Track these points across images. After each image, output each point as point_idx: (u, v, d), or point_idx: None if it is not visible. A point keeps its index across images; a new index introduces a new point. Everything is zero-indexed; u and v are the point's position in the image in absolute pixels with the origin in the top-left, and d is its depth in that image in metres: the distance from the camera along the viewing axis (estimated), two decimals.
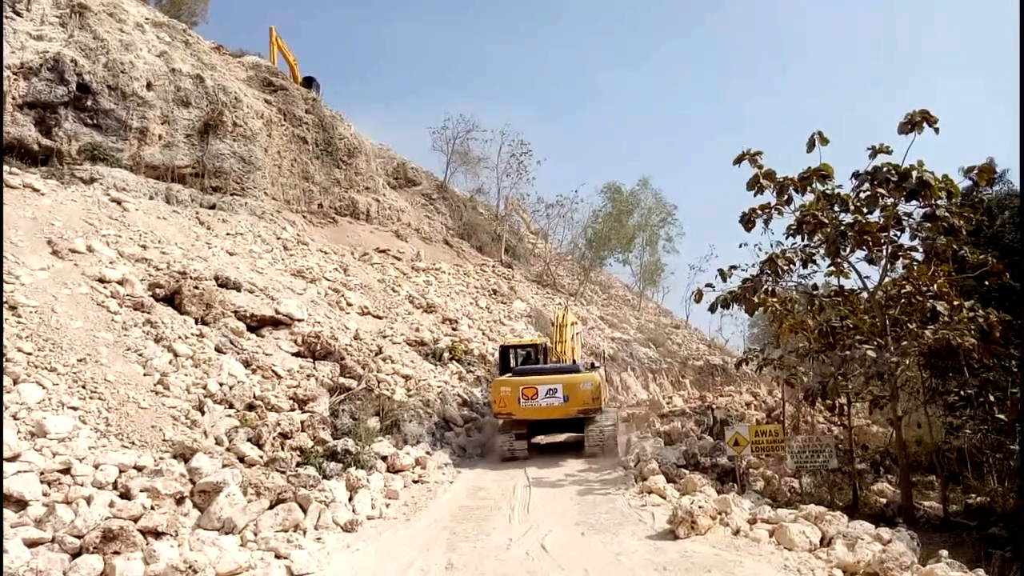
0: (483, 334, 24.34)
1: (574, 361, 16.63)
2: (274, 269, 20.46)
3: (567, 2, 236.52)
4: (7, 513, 7.38)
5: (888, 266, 12.81)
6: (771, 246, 14.37)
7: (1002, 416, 13.09)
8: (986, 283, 12.57)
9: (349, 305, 20.71)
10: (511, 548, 8.59)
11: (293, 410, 13.00)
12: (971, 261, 12.39)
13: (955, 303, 11.97)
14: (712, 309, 13.81)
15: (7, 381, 9.52)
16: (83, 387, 10.30)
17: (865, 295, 13.34)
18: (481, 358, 21.39)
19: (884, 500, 13.60)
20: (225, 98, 23.94)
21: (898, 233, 12.47)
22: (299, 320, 16.86)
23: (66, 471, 8.30)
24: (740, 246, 15.51)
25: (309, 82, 32.30)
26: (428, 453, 13.47)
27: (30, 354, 10.37)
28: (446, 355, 20.13)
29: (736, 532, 8.86)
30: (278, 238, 23.21)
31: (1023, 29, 9.73)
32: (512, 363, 17.36)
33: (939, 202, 11.59)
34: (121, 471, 8.72)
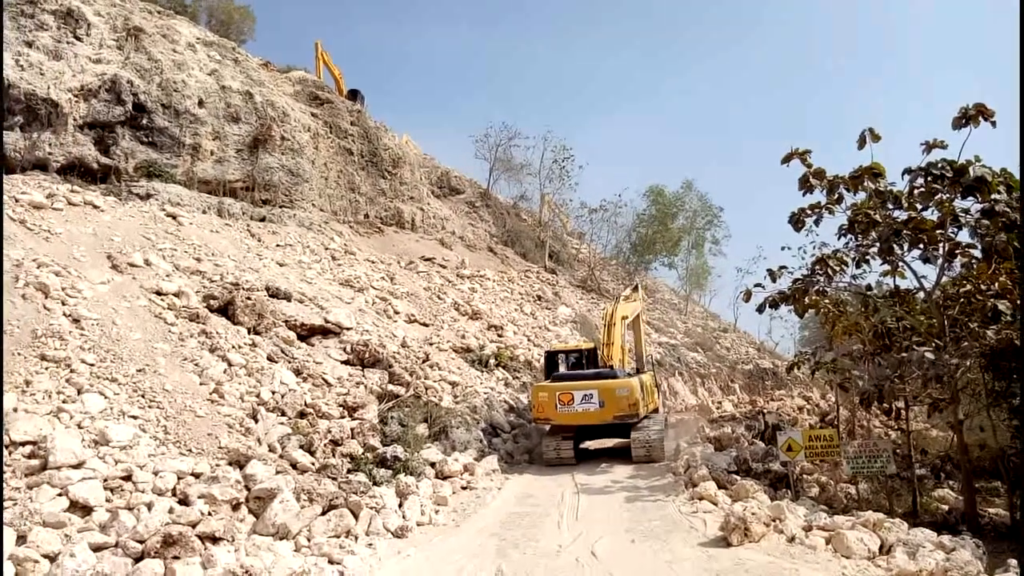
0: (528, 340, 24.33)
1: (610, 366, 15.97)
2: (323, 279, 20.82)
3: (612, 7, 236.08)
4: (74, 519, 7.66)
5: (945, 265, 12.40)
6: (814, 247, 14.07)
7: None
8: None
9: (396, 313, 20.94)
10: (561, 555, 8.56)
11: (343, 417, 13.18)
12: None
13: (1018, 302, 11.53)
14: (760, 310, 13.56)
15: (72, 391, 9.90)
16: (142, 396, 10.64)
17: (922, 295, 12.95)
18: (527, 364, 21.39)
19: (946, 507, 13.14)
20: (273, 113, 24.53)
21: (955, 230, 12.08)
22: (348, 328, 17.11)
23: (128, 478, 8.59)
24: (782, 248, 15.07)
25: (354, 95, 32.87)
26: (476, 459, 13.51)
27: (92, 365, 10.77)
28: (492, 361, 20.17)
29: (791, 539, 8.66)
30: (326, 248, 23.63)
31: (1023, 29, 9.39)
32: (560, 368, 17.25)
33: (998, 197, 11.18)
34: (179, 478, 8.98)
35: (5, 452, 8.27)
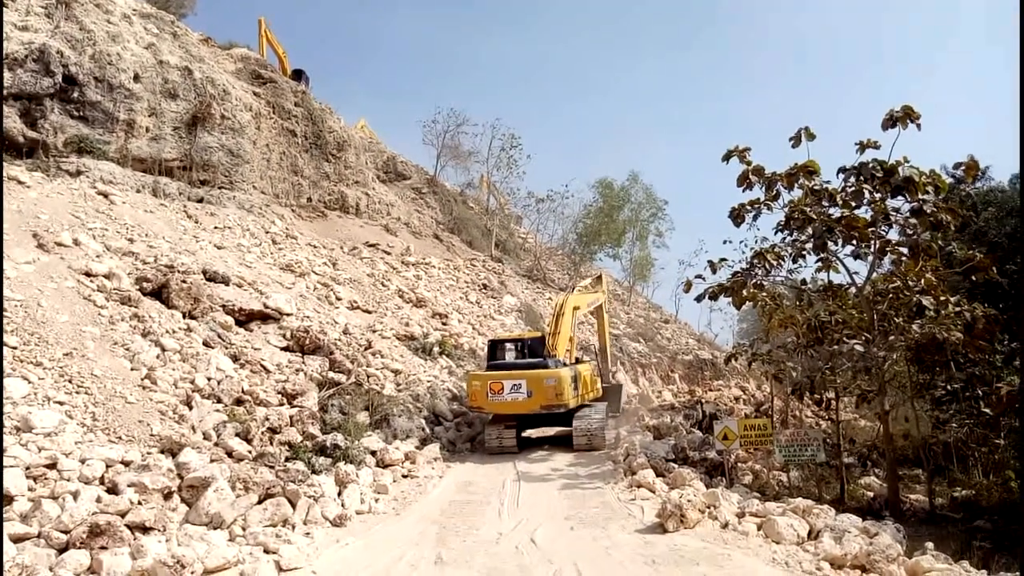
0: (473, 328, 24.31)
1: (553, 356, 15.75)
2: (263, 263, 20.34)
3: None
4: None
5: (876, 261, 12.89)
6: (755, 241, 14.47)
7: (987, 410, 13.23)
8: (973, 278, 12.68)
9: (338, 299, 20.63)
10: (501, 542, 8.61)
11: (282, 405, 12.93)
12: (959, 256, 12.49)
13: (941, 298, 12.06)
14: (699, 299, 13.90)
15: None
16: (69, 381, 10.21)
17: (853, 290, 13.44)
18: (471, 352, 21.38)
19: (871, 493, 13.72)
20: (213, 90, 23.72)
21: (886, 229, 12.56)
22: (288, 314, 16.77)
23: (52, 466, 8.23)
24: (724, 242, 15.46)
25: (298, 75, 32.08)
26: (418, 448, 13.46)
27: (15, 348, 10.26)
28: (436, 349, 20.09)
29: (725, 525, 8.91)
30: (267, 232, 23.07)
31: (1023, 29, 9.76)
32: (508, 357, 17.13)
33: (925, 197, 11.67)
34: (108, 466, 8.66)
35: None
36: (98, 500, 7.88)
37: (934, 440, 14.40)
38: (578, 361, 17.43)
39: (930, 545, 8.50)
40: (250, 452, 10.71)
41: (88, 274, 13.73)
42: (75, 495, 7.83)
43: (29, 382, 9.66)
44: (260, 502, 9.11)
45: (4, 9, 18.95)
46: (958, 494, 13.39)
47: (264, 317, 16.18)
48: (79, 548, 7.00)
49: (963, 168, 12.36)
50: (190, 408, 11.30)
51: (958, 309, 11.92)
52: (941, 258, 12.51)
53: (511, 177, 41.59)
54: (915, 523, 11.43)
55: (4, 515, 7.28)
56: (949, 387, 14.38)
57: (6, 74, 18.08)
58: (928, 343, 12.24)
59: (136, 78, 21.15)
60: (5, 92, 18.05)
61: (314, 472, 10.60)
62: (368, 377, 15.70)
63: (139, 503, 8.08)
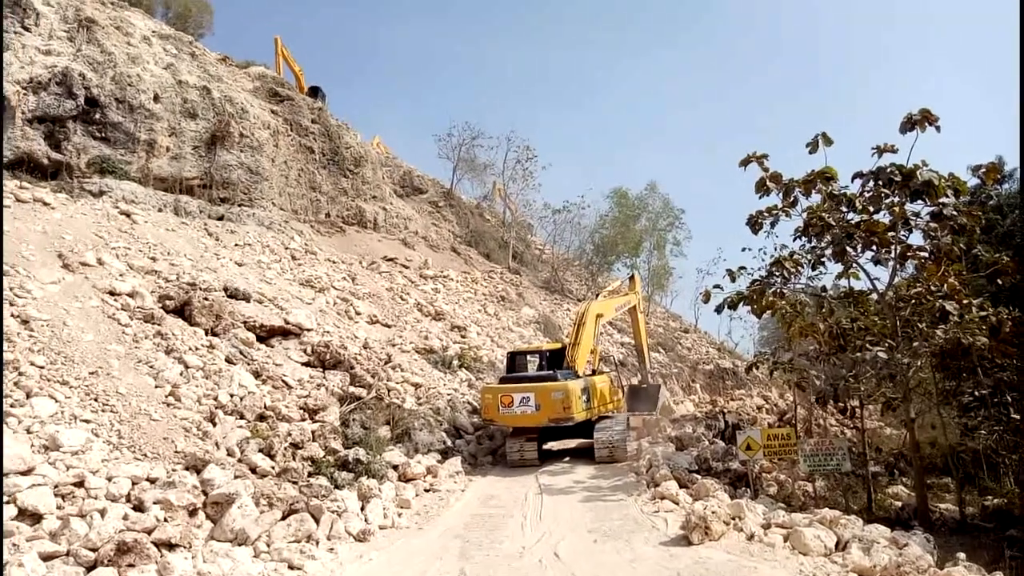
0: (492, 341, 24.30)
1: (566, 366, 15.72)
2: (283, 279, 20.51)
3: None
4: (23, 527, 7.40)
5: (897, 266, 12.74)
6: (775, 249, 14.33)
7: (1017, 416, 12.99)
8: (999, 281, 12.49)
9: (358, 314, 20.72)
10: (524, 556, 8.56)
11: (304, 420, 12.99)
12: (984, 260, 12.31)
13: (964, 302, 11.88)
14: (719, 310, 13.74)
15: (20, 395, 9.57)
16: (95, 400, 10.34)
17: (875, 296, 13.27)
18: (490, 365, 21.35)
19: (899, 503, 13.51)
20: (232, 109, 24.07)
21: (906, 233, 12.40)
22: (308, 330, 16.88)
23: (80, 484, 8.33)
24: (743, 250, 15.42)
25: (315, 92, 32.47)
26: (439, 461, 13.45)
27: (42, 368, 10.42)
28: (455, 363, 20.10)
29: (750, 537, 8.80)
30: (286, 248, 23.28)
31: (1023, 29, 9.69)
32: (530, 369, 17.04)
33: (946, 201, 11.52)
34: (134, 483, 8.75)
35: None
36: (125, 517, 7.95)
37: (963, 447, 14.17)
38: (594, 373, 17.26)
39: (962, 556, 8.35)
40: (273, 468, 10.76)
41: (112, 293, 13.93)
42: (102, 513, 7.92)
43: (56, 401, 9.80)
44: (284, 518, 9.14)
45: (27, 33, 19.37)
46: (989, 503, 13.14)
47: (285, 333, 16.30)
48: (107, 566, 7.06)
49: (983, 171, 12.18)
50: (214, 424, 11.40)
51: (983, 313, 11.74)
52: (966, 262, 12.33)
53: (527, 189, 41.73)
54: (945, 533, 11.24)
55: (35, 533, 7.37)
56: (976, 393, 14.14)
57: (31, 98, 18.46)
58: (953, 348, 12.05)
59: (156, 98, 21.52)
60: (29, 115, 18.43)
61: (337, 487, 10.63)
62: (389, 391, 15.73)
63: (165, 520, 8.14)
